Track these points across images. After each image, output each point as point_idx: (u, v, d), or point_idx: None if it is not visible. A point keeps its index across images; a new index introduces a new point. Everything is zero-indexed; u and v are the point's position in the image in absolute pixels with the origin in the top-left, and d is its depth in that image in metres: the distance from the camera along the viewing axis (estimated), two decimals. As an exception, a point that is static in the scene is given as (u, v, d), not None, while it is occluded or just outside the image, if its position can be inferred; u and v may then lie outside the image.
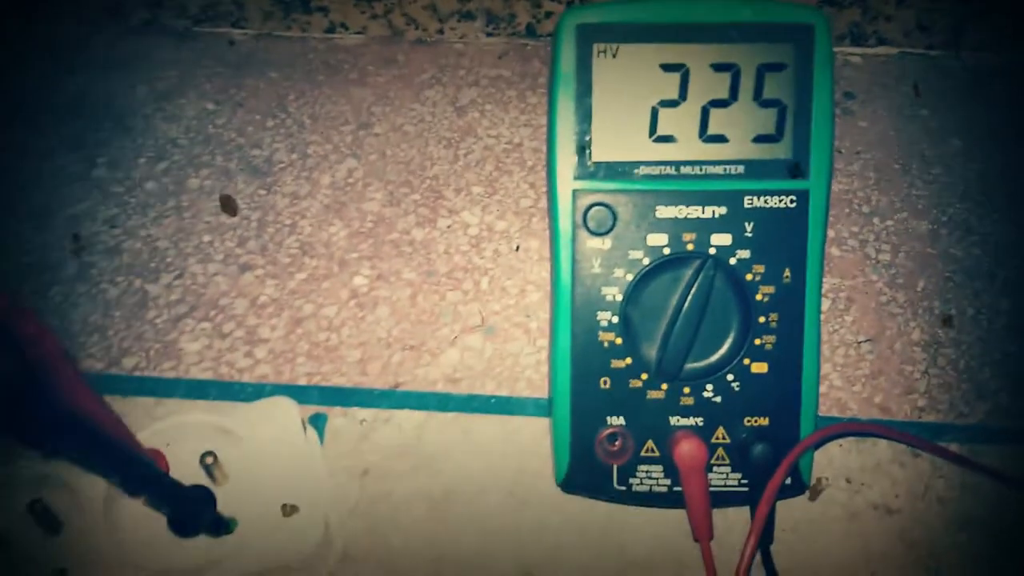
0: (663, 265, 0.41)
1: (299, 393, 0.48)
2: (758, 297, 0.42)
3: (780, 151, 0.41)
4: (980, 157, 0.60)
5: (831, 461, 0.47)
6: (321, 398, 0.48)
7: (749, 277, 0.41)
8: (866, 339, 0.52)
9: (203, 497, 0.38)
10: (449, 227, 0.55)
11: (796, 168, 0.41)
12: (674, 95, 0.40)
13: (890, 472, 0.47)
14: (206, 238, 0.54)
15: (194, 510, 0.37)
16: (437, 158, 0.59)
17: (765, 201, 0.41)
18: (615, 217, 0.41)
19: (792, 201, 0.41)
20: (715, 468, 0.43)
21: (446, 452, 0.47)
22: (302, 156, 0.59)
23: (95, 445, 0.32)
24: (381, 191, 0.57)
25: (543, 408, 0.48)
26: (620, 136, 0.40)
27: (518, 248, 0.54)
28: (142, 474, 0.35)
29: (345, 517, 0.44)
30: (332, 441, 0.47)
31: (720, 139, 0.41)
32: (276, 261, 0.53)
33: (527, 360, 0.50)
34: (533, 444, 0.47)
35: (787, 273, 0.41)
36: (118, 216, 0.55)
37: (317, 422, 0.47)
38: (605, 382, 0.42)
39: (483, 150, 0.60)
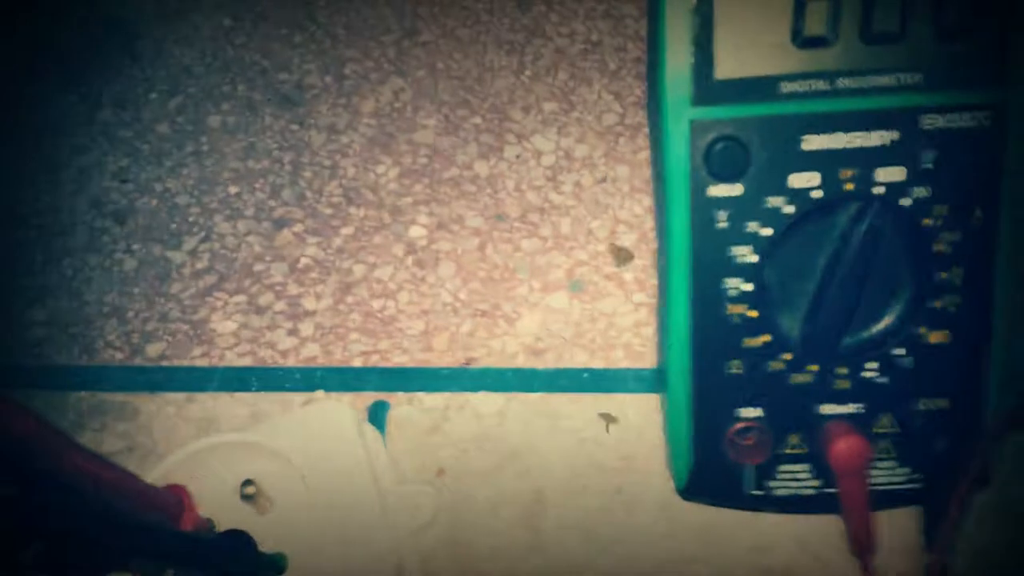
0: (812, 214, 0.31)
1: (354, 378, 0.40)
2: (938, 247, 0.31)
3: (971, 50, 0.30)
4: None
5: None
6: (380, 382, 0.40)
7: (927, 222, 0.31)
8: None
9: (236, 546, 0.31)
10: (518, 157, 0.46)
11: (993, 73, 0.30)
12: (829, -20, 0.29)
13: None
14: (232, 189, 0.46)
15: (229, 562, 0.30)
16: (499, 68, 0.49)
17: (950, 120, 0.30)
18: (748, 154, 0.31)
19: (986, 118, 0.30)
20: (879, 463, 0.34)
21: (534, 443, 0.39)
22: (338, 78, 0.49)
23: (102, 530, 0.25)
24: (434, 116, 0.47)
25: (647, 382, 0.40)
26: (753, 42, 0.30)
27: (604, 179, 0.44)
28: (157, 544, 0.27)
29: (419, 531, 0.36)
30: (396, 434, 0.39)
31: (890, 38, 0.30)
32: (316, 213, 0.45)
33: (624, 321, 0.41)
34: (639, 427, 0.38)
35: (977, 214, 0.31)
36: (129, 168, 0.47)
37: (378, 413, 0.39)
38: (736, 366, 0.33)
39: (554, 54, 0.49)
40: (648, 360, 0.40)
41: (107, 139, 0.48)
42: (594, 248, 0.43)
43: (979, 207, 0.31)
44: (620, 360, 0.40)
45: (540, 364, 0.40)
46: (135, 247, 0.44)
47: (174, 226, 0.45)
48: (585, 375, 0.40)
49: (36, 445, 0.24)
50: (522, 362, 0.40)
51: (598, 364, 0.40)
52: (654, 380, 0.39)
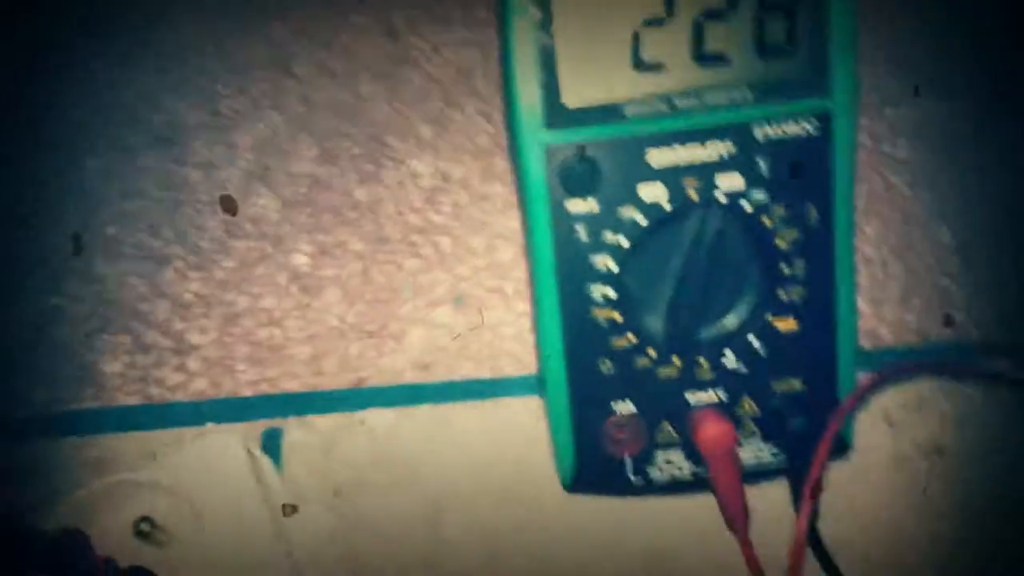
0: (663, 223, 0.34)
1: (244, 407, 0.41)
2: (779, 244, 0.35)
3: (794, 66, 0.33)
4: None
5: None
6: (272, 409, 0.41)
7: (767, 223, 0.34)
8: (888, 249, 0.45)
9: (139, 580, 0.31)
10: (398, 182, 0.47)
11: (815, 85, 0.33)
12: (659, 10, 0.32)
13: (936, 406, 0.41)
14: (110, 230, 0.46)
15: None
16: (373, 97, 0.50)
17: (780, 130, 0.33)
18: (599, 172, 0.33)
19: (813, 126, 0.33)
20: (745, 443, 0.37)
21: (428, 454, 0.40)
22: (213, 114, 0.49)
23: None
24: (313, 147, 0.48)
25: (532, 386, 0.42)
26: (595, 70, 0.32)
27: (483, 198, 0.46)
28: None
29: (318, 552, 0.37)
30: (292, 459, 0.40)
31: (719, 59, 0.33)
32: (198, 249, 0.45)
33: (507, 331, 0.43)
34: (528, 428, 0.41)
35: (813, 213, 0.34)
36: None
37: (271, 440, 0.40)
38: (607, 365, 0.35)
39: (427, 82, 0.51)
40: (532, 366, 0.42)
41: (-24, 186, 0.47)
42: (475, 263, 0.45)
43: (813, 206, 0.35)
44: (505, 368, 0.42)
45: (429, 378, 0.42)
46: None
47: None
48: (472, 385, 0.42)
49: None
50: (411, 377, 0.42)
51: (484, 374, 0.42)
52: (538, 385, 0.41)
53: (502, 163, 0.47)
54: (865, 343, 0.43)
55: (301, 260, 0.45)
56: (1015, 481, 0.39)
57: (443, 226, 0.46)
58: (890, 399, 0.41)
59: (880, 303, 0.44)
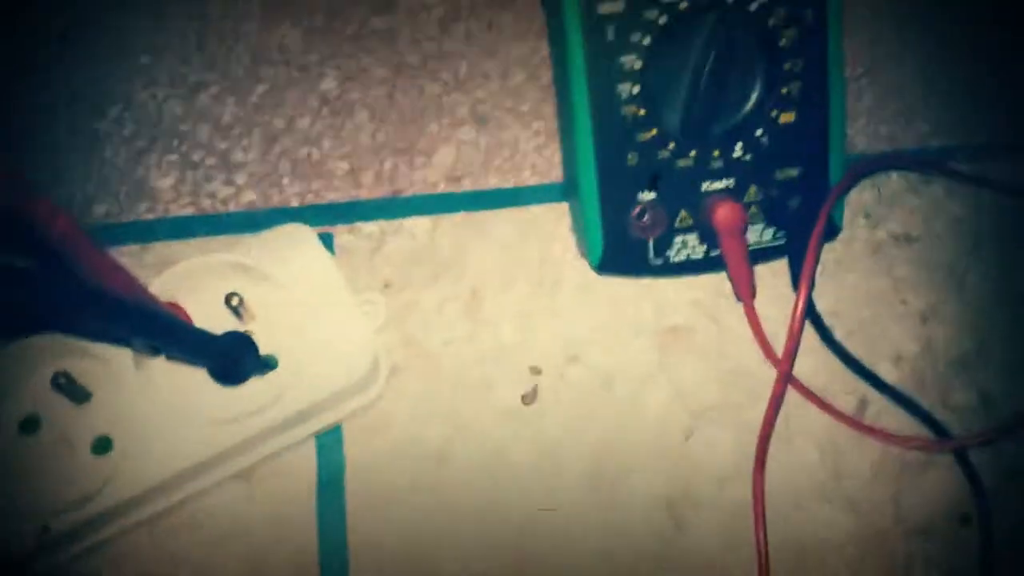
0: (680, 22, 0.38)
1: (294, 216, 0.44)
2: (782, 42, 0.39)
3: None
4: None
5: (848, 200, 0.46)
6: (319, 217, 0.45)
7: (772, 22, 0.38)
8: (863, 70, 0.50)
9: (242, 343, 0.35)
10: (410, 9, 0.50)
11: None
12: None
13: (906, 201, 0.47)
14: (143, 60, 0.48)
15: (236, 358, 0.35)
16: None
17: (784, -66, 0.37)
18: (629, -28, 0.37)
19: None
20: (750, 227, 0.42)
21: (464, 253, 0.45)
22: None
23: (124, 316, 0.29)
24: (327, -22, 0.50)
25: (554, 193, 0.46)
26: None
27: (491, 25, 0.50)
28: (175, 336, 0.32)
29: (378, 333, 0.42)
30: (344, 259, 0.44)
31: None
32: (229, 75, 0.48)
33: (527, 146, 0.47)
34: (552, 231, 0.45)
35: (809, 14, 0.39)
36: (32, 47, 0.48)
37: (325, 244, 0.44)
38: (633, 158, 0.40)
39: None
40: (552, 175, 0.46)
41: (2, 21, 0.48)
42: (490, 87, 0.48)
43: (809, 8, 0.39)
44: (529, 179, 0.46)
45: (459, 189, 0.46)
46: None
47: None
48: (500, 194, 0.46)
49: (65, 244, 0.27)
50: (444, 188, 0.46)
51: (510, 184, 0.46)
52: (559, 191, 0.46)
53: (513, -11, 0.50)
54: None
55: (329, 85, 0.48)
56: (973, 261, 0.46)
57: (459, 52, 0.49)
58: (867, 195, 0.47)
59: (854, 116, 0.49)
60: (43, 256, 0.25)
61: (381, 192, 0.45)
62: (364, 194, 0.45)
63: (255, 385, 0.37)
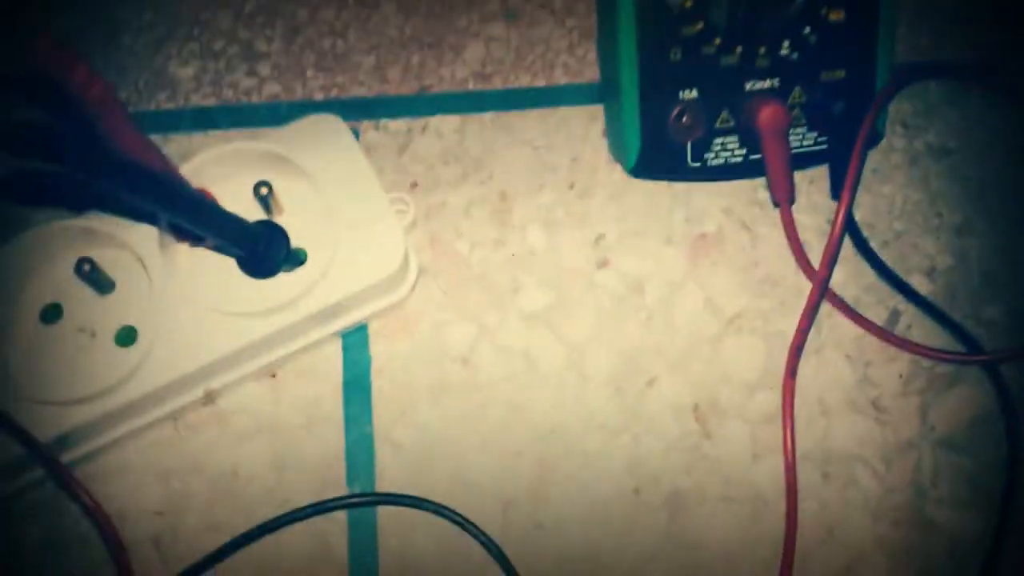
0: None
1: (319, 109, 0.42)
2: (836, -62, 0.37)
3: None
4: None
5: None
6: (345, 112, 0.43)
7: (827, -83, 0.37)
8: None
9: (274, 231, 0.34)
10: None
11: None
12: None
13: (944, 113, 0.45)
14: (157, -57, 0.45)
15: (268, 247, 0.34)
16: None
17: None
18: None
19: None
20: (791, 130, 0.41)
21: (492, 154, 0.43)
22: None
23: (154, 190, 0.28)
24: None
25: (586, 94, 0.44)
26: None
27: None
28: (207, 216, 0.31)
29: (406, 231, 0.41)
30: (370, 156, 0.42)
31: None
32: (250, -39, 0.45)
33: (559, 44, 0.46)
34: (583, 134, 0.44)
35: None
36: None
37: (350, 139, 0.42)
38: (676, 53, 0.38)
39: None
40: (586, 76, 0.45)
41: None
42: (520, -19, 0.46)
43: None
44: (560, 78, 0.45)
45: (488, 87, 0.44)
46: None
47: (107, -17, 0.45)
48: (531, 93, 0.44)
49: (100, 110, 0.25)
50: (473, 86, 0.44)
51: (541, 83, 0.45)
52: (593, 92, 0.44)
53: None
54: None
55: (353, -26, 0.46)
56: (1011, 176, 0.45)
57: (487, -53, 0.47)
58: (906, 105, 0.45)
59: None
60: (76, 119, 0.23)
61: (408, 88, 0.44)
62: (391, 89, 0.44)
63: (284, 279, 0.36)
